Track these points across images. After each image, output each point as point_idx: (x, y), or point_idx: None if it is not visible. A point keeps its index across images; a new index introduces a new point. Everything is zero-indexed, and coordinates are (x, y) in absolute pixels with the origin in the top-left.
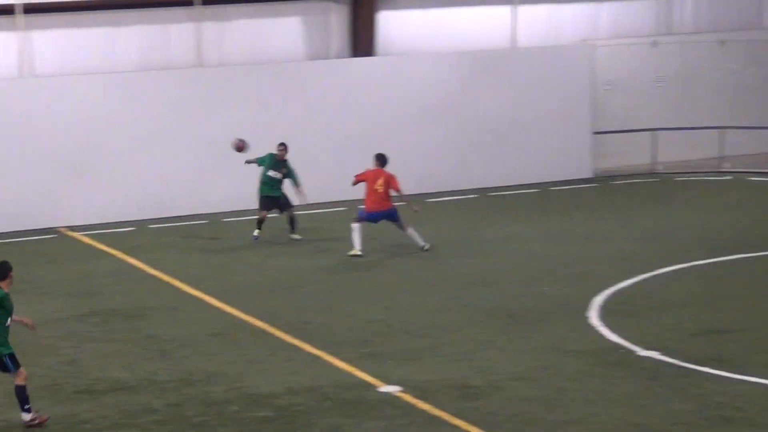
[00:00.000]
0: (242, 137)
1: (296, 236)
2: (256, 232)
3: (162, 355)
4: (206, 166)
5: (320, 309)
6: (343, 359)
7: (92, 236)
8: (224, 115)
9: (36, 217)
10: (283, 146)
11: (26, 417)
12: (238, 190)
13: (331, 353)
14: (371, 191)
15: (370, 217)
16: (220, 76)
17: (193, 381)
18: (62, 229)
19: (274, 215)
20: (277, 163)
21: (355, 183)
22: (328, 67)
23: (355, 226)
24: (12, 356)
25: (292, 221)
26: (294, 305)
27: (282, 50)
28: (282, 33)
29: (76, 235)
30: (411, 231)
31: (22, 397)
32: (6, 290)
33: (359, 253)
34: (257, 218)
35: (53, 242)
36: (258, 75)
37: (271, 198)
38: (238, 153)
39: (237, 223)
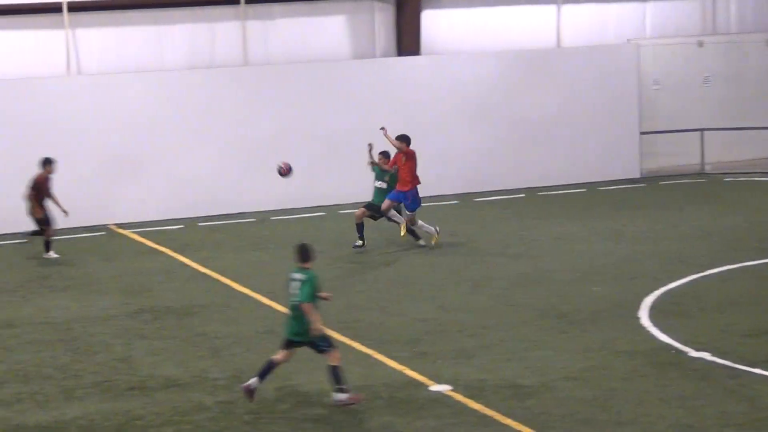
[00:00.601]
0: (287, 161)
1: (421, 242)
2: (358, 242)
3: (213, 352)
4: (253, 164)
5: (370, 307)
6: (394, 358)
7: (142, 234)
8: (270, 113)
9: (86, 215)
10: (381, 155)
11: (340, 397)
12: (285, 188)
13: (382, 352)
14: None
15: (415, 204)
16: (266, 74)
17: (245, 379)
18: (112, 227)
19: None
20: (382, 172)
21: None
22: (373, 66)
23: (419, 223)
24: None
25: (412, 233)
26: (344, 303)
27: (327, 49)
28: (327, 32)
29: (125, 232)
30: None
31: (336, 377)
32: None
33: (437, 233)
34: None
35: (103, 240)
36: (303, 74)
37: (375, 205)
38: (281, 177)
39: (285, 221)
